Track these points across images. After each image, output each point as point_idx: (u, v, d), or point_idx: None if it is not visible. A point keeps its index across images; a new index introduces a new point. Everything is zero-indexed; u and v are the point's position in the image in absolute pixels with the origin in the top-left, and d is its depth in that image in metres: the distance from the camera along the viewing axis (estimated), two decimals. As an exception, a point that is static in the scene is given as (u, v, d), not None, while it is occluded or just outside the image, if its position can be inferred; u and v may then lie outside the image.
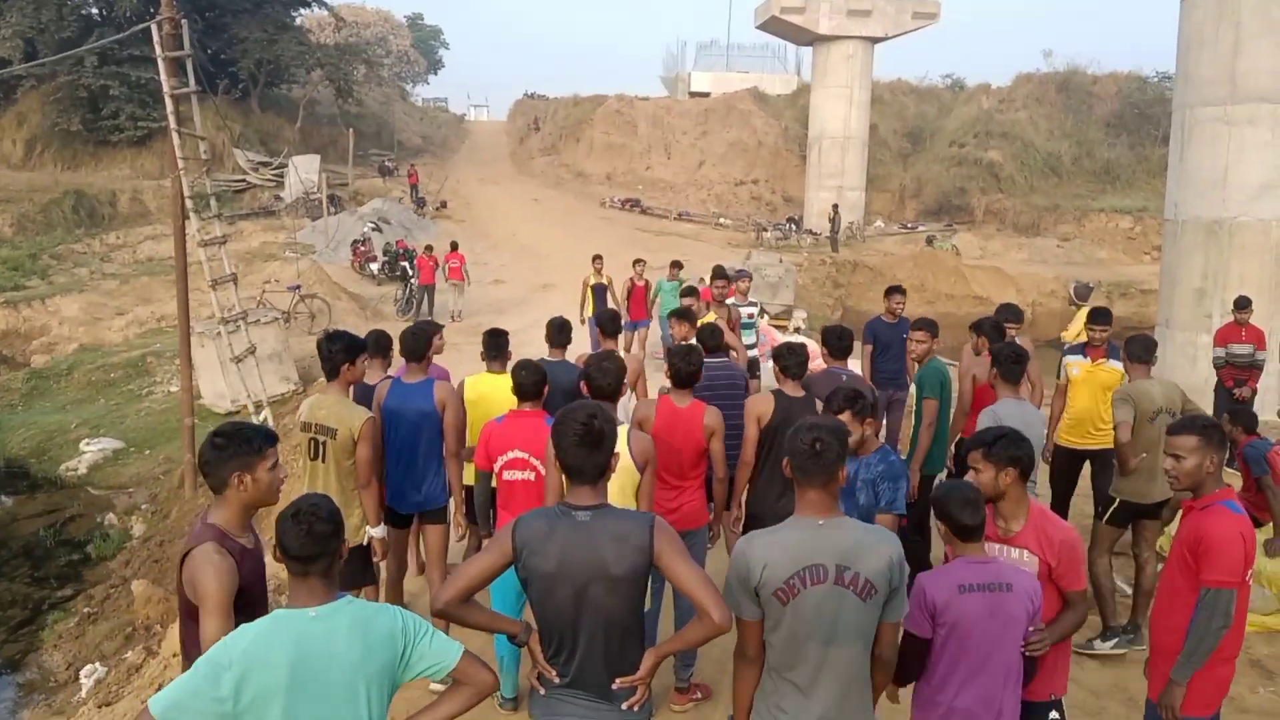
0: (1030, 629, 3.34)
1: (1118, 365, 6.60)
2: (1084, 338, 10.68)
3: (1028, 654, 3.37)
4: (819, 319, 13.96)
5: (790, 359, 5.45)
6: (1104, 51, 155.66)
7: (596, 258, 14.77)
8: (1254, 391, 9.99)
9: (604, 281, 14.49)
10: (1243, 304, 10.18)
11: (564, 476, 3.06)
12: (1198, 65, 12.96)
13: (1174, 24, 13.53)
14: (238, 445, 3.12)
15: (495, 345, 5.90)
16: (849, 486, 4.48)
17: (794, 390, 5.45)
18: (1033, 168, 39.87)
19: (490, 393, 5.76)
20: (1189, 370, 12.24)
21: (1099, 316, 7.05)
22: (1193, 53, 13.06)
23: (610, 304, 14.06)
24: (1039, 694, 3.56)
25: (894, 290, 8.88)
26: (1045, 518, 3.63)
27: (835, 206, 33.14)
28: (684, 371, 5.18)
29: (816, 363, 6.91)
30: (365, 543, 5.12)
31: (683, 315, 7.40)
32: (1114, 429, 5.81)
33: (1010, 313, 7.58)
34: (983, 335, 6.88)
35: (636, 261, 14.44)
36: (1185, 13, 13.26)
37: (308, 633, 2.58)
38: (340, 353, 5.02)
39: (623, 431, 4.37)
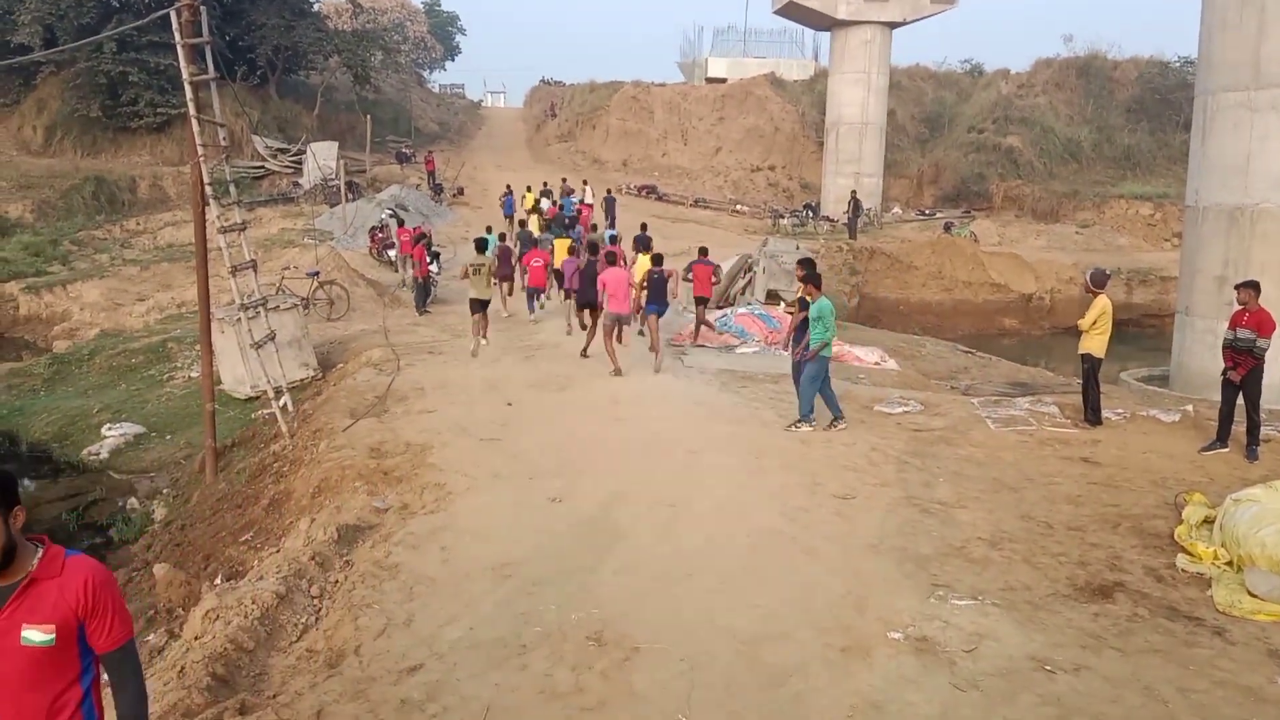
0: None
1: None
2: (1101, 326, 10.67)
3: None
4: (836, 307, 13.94)
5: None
6: (1125, 36, 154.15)
7: None
8: (1248, 374, 9.63)
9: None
10: (1236, 287, 10.03)
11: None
12: (1221, 50, 12.83)
13: (1197, 7, 13.39)
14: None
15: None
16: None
17: None
18: (1052, 154, 39.58)
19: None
20: (1209, 358, 11.94)
21: None
22: (1216, 38, 12.92)
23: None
24: None
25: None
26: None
27: (854, 194, 32.82)
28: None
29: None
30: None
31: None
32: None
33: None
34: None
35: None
36: (1208, -3, 13.14)
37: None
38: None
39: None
